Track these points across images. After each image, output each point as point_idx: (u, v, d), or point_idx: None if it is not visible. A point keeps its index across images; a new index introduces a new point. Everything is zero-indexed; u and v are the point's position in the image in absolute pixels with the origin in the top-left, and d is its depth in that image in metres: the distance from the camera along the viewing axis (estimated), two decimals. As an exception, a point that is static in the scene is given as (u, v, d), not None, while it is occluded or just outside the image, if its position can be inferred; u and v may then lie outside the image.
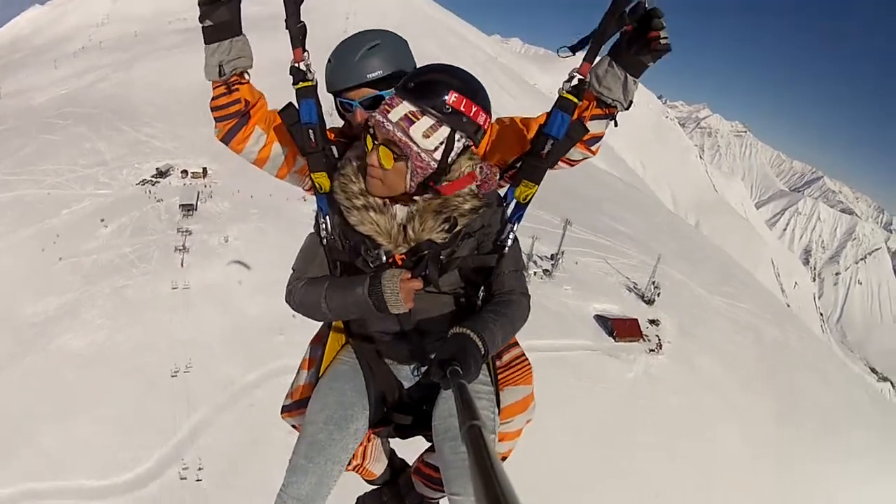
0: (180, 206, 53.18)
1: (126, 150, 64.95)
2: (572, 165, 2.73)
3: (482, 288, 2.51)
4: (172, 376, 39.57)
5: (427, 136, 2.10)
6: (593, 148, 2.64)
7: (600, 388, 42.31)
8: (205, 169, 59.35)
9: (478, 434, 1.01)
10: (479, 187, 2.30)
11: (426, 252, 2.27)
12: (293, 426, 2.79)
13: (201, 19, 2.36)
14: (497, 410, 2.50)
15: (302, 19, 2.45)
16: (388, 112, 2.09)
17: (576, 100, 2.40)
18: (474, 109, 2.14)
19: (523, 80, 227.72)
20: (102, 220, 52.98)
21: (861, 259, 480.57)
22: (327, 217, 2.41)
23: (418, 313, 2.42)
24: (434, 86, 2.10)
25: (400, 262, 2.30)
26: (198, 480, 34.63)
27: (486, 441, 0.97)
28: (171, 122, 70.45)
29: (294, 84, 2.43)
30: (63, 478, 33.77)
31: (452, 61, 2.41)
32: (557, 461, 35.76)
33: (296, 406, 2.69)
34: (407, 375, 2.64)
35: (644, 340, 48.81)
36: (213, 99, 2.47)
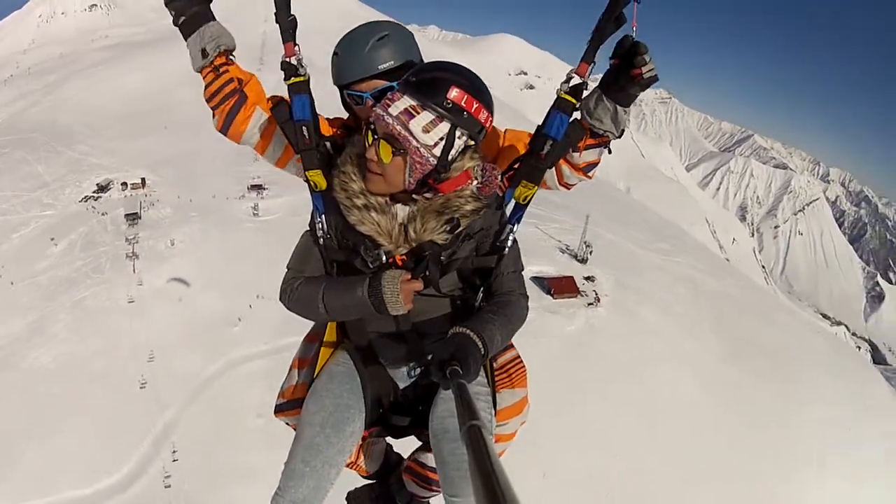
0: (125, 216, 54.15)
1: (65, 169, 65.63)
2: (569, 189, 2.81)
3: (481, 289, 2.52)
4: (141, 386, 40.98)
5: (427, 131, 2.09)
6: (590, 174, 2.71)
7: (543, 341, 43.57)
8: (143, 179, 60.33)
9: (478, 434, 1.01)
10: (479, 189, 2.29)
11: (427, 253, 2.26)
12: (287, 423, 2.79)
13: (175, 20, 2.41)
14: (494, 413, 2.53)
15: (293, 13, 2.41)
16: (389, 106, 2.09)
17: (574, 100, 2.42)
18: (476, 106, 2.14)
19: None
20: (52, 239, 54.06)
21: (799, 211, 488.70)
22: (323, 216, 2.38)
23: (416, 314, 2.41)
24: (436, 81, 2.11)
25: (400, 263, 2.29)
26: (166, 477, 36.23)
27: (487, 441, 0.97)
28: (105, 138, 71.01)
29: (286, 79, 2.43)
30: (51, 493, 34.75)
31: None
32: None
33: (289, 406, 2.68)
34: (403, 376, 2.63)
35: (581, 296, 50.91)
36: (205, 89, 2.48)
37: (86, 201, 59.35)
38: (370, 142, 2.13)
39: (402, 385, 2.65)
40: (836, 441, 47.78)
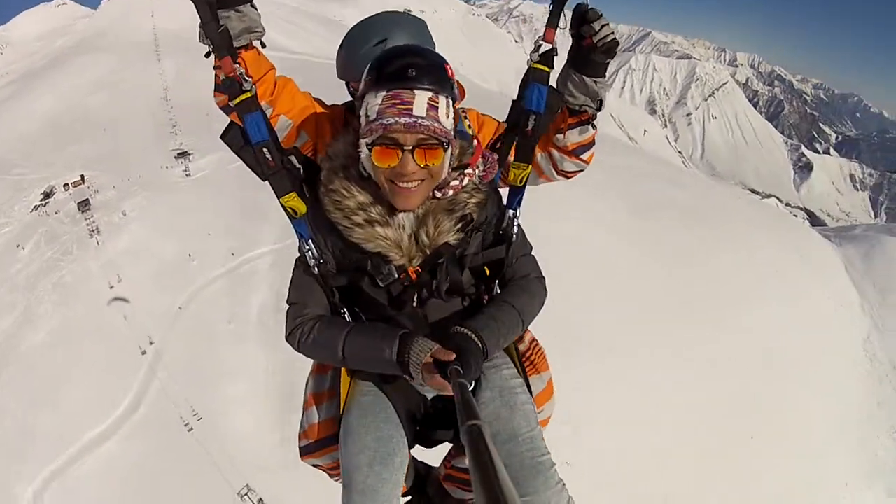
0: (77, 205, 58.84)
1: (8, 193, 67.09)
2: (569, 177, 2.72)
3: (496, 282, 2.42)
4: (127, 329, 45.60)
5: (447, 116, 1.98)
6: (585, 157, 2.61)
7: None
8: (82, 176, 64.18)
9: (478, 433, 0.99)
10: (482, 177, 2.22)
11: (443, 258, 2.15)
12: (315, 466, 2.66)
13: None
14: (533, 403, 2.41)
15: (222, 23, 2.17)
16: (410, 109, 1.89)
17: (546, 68, 2.31)
18: (452, 71, 2.04)
19: (330, 19, 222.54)
20: (18, 246, 56.57)
21: (709, 96, 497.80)
22: (310, 241, 2.21)
23: (433, 317, 2.29)
24: (435, 64, 1.99)
25: (414, 276, 2.18)
26: (165, 389, 41.31)
27: (487, 441, 0.95)
28: (36, 156, 73.68)
29: (231, 100, 2.18)
30: (74, 442, 38.50)
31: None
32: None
33: (317, 446, 2.51)
34: (432, 389, 2.22)
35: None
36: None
37: (36, 210, 62.96)
38: (398, 157, 1.93)
39: (430, 395, 2.51)
40: (769, 275, 51.23)
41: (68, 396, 41.22)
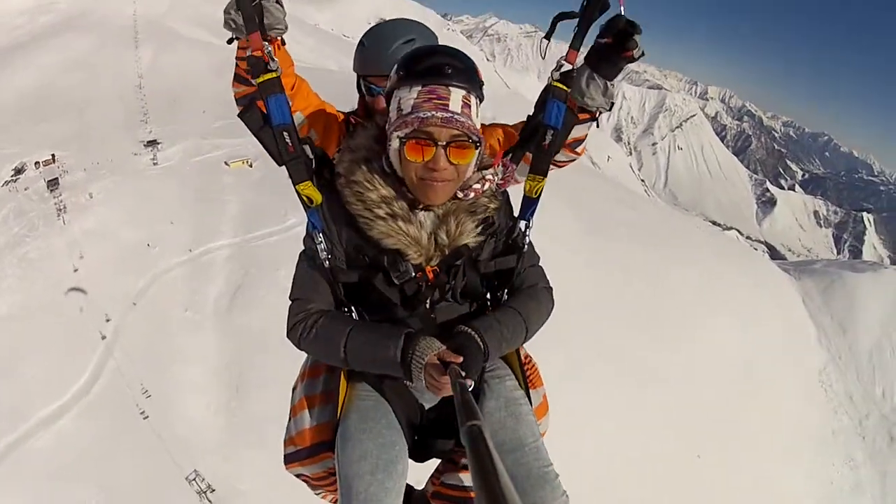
0: (46, 182, 60.06)
1: None
2: (560, 167, 2.81)
3: (504, 290, 2.45)
4: (84, 309, 46.41)
5: (477, 116, 2.07)
6: (578, 150, 2.73)
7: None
8: (53, 155, 65.01)
9: (478, 433, 0.99)
10: (500, 185, 2.28)
11: (461, 260, 2.18)
12: (298, 476, 2.52)
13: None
14: (534, 416, 2.39)
15: None
16: (446, 105, 1.95)
17: (566, 88, 2.37)
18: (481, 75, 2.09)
19: (304, 21, 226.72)
20: None
21: (677, 127, 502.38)
22: (322, 234, 2.18)
23: (442, 320, 2.29)
24: (467, 64, 2.04)
25: (431, 276, 2.20)
26: (119, 371, 42.05)
27: (487, 441, 0.95)
28: (9, 132, 73.01)
29: (255, 77, 2.14)
30: (27, 418, 38.85)
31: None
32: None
33: (308, 453, 2.36)
34: (431, 397, 2.44)
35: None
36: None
37: (6, 185, 63.24)
38: (431, 152, 1.95)
39: (427, 405, 2.47)
40: (726, 298, 52.80)
41: (25, 371, 41.69)
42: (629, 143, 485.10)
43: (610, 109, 2.54)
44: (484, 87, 2.13)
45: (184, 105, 70.22)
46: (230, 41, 2.40)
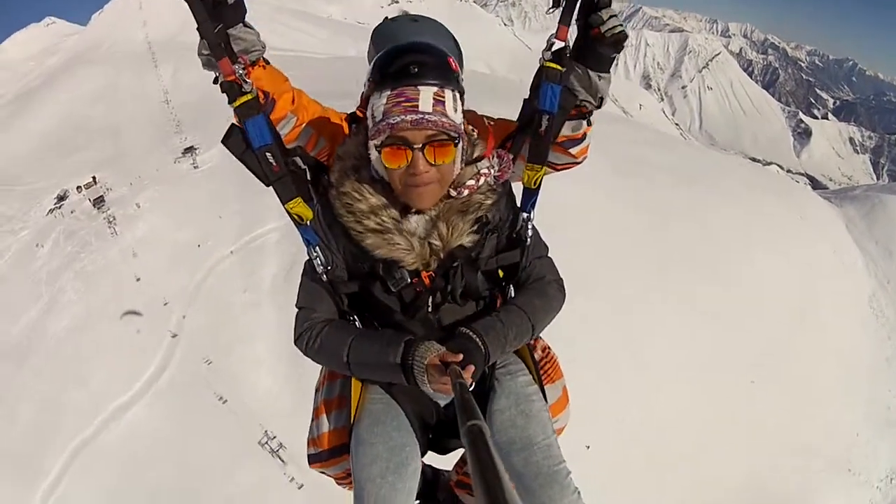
0: (93, 202, 61.09)
1: (20, 202, 68.83)
2: (557, 169, 2.58)
3: (511, 285, 2.39)
4: (149, 307, 47.73)
5: (455, 110, 1.96)
6: (573, 151, 2.46)
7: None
8: (94, 177, 66.31)
9: (478, 433, 0.96)
10: (497, 177, 2.17)
11: (458, 262, 2.11)
12: (324, 474, 2.58)
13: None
14: (549, 411, 2.37)
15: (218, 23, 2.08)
16: (416, 106, 1.86)
17: (559, 67, 2.16)
18: (456, 65, 2.02)
19: (315, 16, 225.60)
20: (37, 245, 59.47)
21: (703, 67, 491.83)
22: (317, 248, 2.18)
23: (447, 322, 2.26)
24: (437, 58, 1.97)
25: (428, 281, 2.14)
26: (188, 358, 43.95)
27: (487, 441, 0.93)
28: (43, 168, 75.39)
29: (230, 103, 2.10)
30: (99, 413, 41.28)
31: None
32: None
33: (328, 455, 2.42)
34: (444, 396, 2.41)
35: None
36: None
37: (51, 213, 64.82)
38: (408, 158, 1.91)
39: (443, 403, 2.47)
40: (768, 231, 51.22)
41: (95, 374, 43.61)
42: (659, 90, 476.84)
43: (599, 106, 2.31)
44: (460, 78, 2.04)
45: (213, 111, 70.37)
46: (215, 80, 2.19)
